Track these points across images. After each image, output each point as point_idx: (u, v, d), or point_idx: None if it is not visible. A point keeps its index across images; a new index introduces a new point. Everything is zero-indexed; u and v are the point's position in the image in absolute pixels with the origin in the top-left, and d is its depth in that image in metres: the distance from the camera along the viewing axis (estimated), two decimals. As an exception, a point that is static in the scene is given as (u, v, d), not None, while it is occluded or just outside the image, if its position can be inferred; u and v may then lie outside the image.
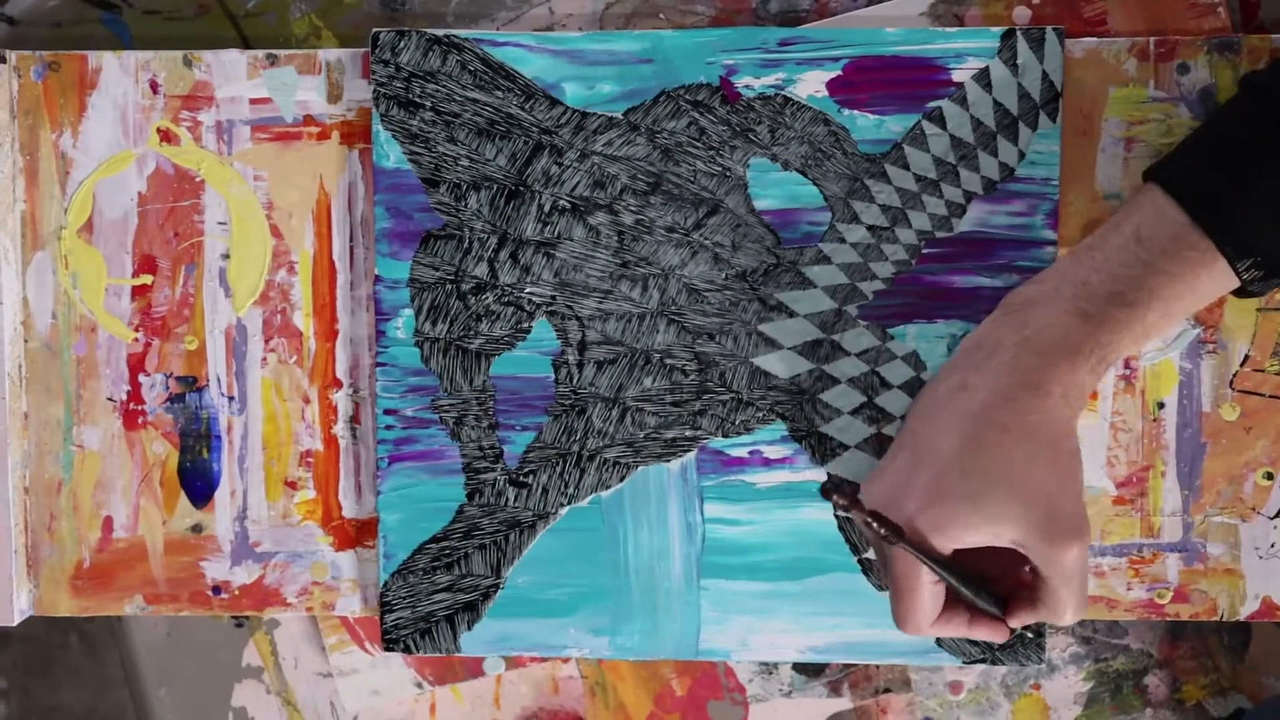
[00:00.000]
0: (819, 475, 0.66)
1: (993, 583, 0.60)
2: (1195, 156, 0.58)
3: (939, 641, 0.66)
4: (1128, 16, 0.66)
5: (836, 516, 0.64)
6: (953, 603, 0.59)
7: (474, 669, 0.70)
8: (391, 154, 0.65)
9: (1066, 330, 0.57)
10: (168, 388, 0.68)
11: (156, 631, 0.71)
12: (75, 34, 0.68)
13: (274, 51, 0.66)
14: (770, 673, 0.69)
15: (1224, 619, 0.66)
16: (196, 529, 0.68)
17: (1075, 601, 0.57)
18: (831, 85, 0.65)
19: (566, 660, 0.69)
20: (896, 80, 0.64)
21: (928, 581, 0.57)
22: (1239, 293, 0.59)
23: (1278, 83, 0.57)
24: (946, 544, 0.57)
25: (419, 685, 0.70)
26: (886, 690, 0.69)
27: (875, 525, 0.55)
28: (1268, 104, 0.57)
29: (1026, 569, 0.59)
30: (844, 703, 0.69)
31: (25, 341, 0.68)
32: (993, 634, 0.60)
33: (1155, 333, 0.57)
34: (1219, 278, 0.57)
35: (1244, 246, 0.56)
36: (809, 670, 0.69)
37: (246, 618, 0.70)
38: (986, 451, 0.56)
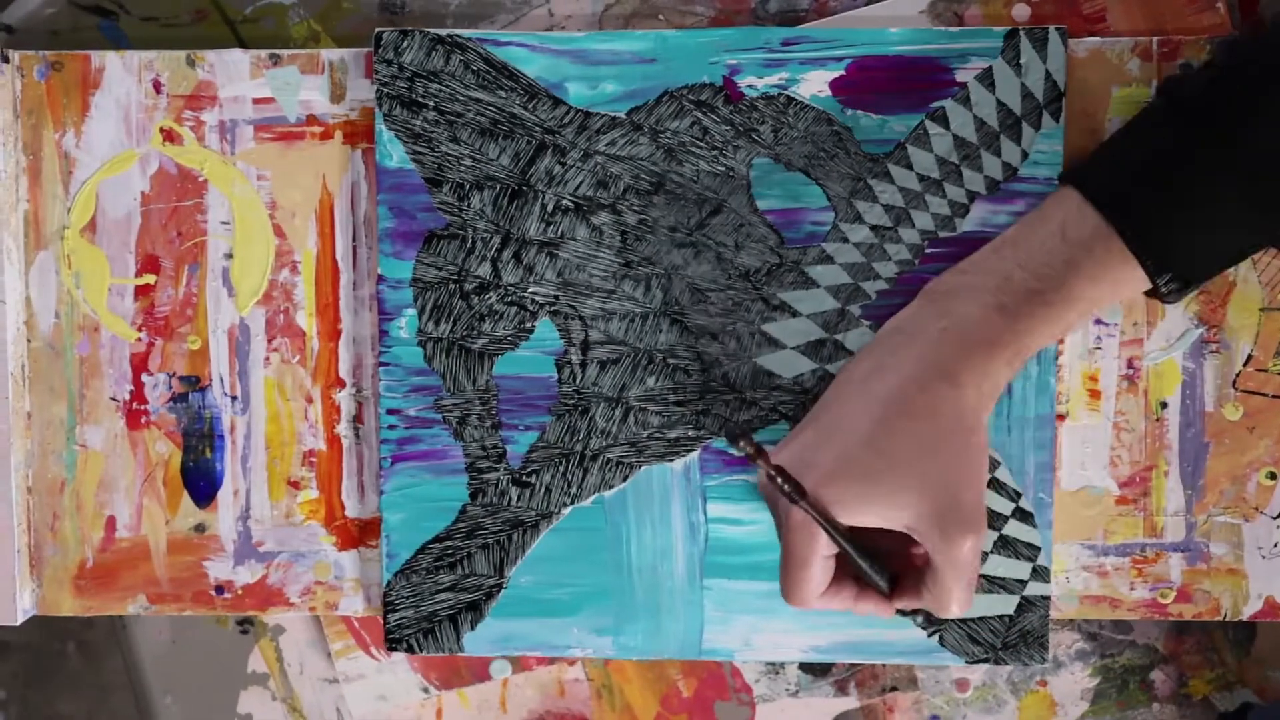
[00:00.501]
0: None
1: (885, 559, 0.60)
2: (1113, 163, 0.58)
3: (941, 640, 0.66)
4: (1127, 12, 0.66)
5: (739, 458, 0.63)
6: (840, 577, 0.59)
7: (480, 673, 0.70)
8: (394, 153, 0.66)
9: (985, 323, 0.57)
10: (171, 387, 0.68)
11: (161, 638, 0.71)
12: (72, 41, 0.68)
13: (277, 51, 0.66)
14: (777, 672, 0.69)
15: (1227, 619, 0.66)
16: (199, 529, 0.68)
17: (961, 595, 0.58)
18: (835, 85, 0.65)
19: (573, 663, 0.69)
20: (900, 80, 0.65)
21: (820, 554, 0.57)
22: (1152, 294, 0.59)
23: (1195, 95, 0.57)
24: (843, 520, 0.57)
25: (425, 690, 0.70)
26: (893, 689, 0.69)
27: (780, 480, 0.56)
28: (1186, 116, 0.57)
29: (920, 551, 0.59)
30: (851, 702, 0.69)
31: (28, 341, 0.68)
32: (877, 610, 0.60)
33: (1073, 329, 0.58)
34: (1138, 283, 0.58)
35: (1162, 258, 0.57)
36: (815, 670, 0.69)
37: (251, 624, 0.70)
38: (893, 435, 0.57)
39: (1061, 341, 0.66)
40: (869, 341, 0.61)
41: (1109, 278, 0.57)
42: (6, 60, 0.66)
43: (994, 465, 0.65)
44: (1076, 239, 0.57)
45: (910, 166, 0.65)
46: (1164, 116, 0.58)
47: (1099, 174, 0.58)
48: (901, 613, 0.61)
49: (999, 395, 0.58)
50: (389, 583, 0.67)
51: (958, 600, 0.58)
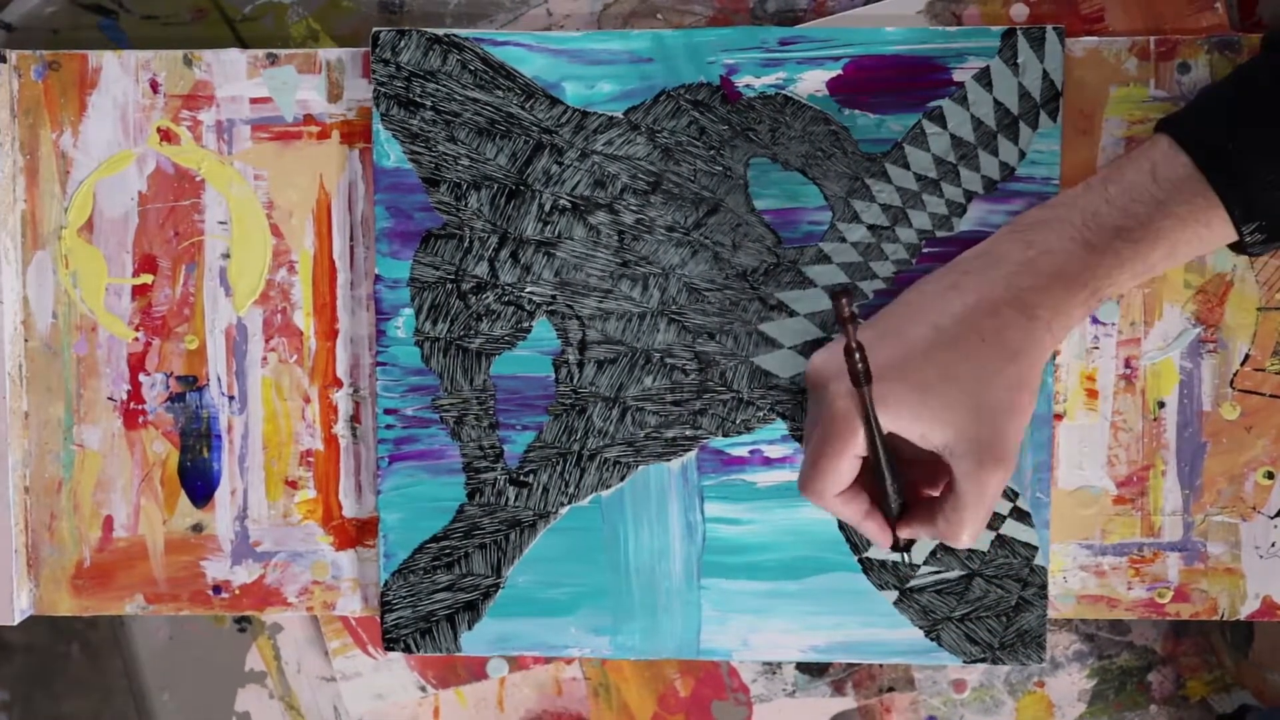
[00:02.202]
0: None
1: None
2: (1208, 110, 0.58)
3: (939, 640, 0.66)
4: (1125, 12, 0.66)
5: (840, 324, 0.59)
6: (857, 487, 0.59)
7: (477, 671, 0.70)
8: (392, 153, 0.65)
9: (1068, 257, 0.57)
10: (168, 387, 0.68)
11: (159, 636, 0.71)
12: (72, 40, 0.68)
13: (274, 51, 0.66)
14: (774, 672, 0.69)
15: (1224, 618, 0.66)
16: (197, 528, 0.68)
17: (976, 526, 0.57)
18: (832, 84, 0.65)
19: (570, 662, 0.69)
20: (897, 79, 0.64)
21: (852, 450, 0.57)
22: (1235, 247, 0.58)
23: None
24: (885, 424, 0.57)
25: (422, 688, 0.70)
26: (890, 689, 0.69)
27: (857, 356, 0.55)
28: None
29: (933, 490, 0.59)
30: (848, 702, 0.69)
31: (25, 341, 0.68)
32: (880, 534, 0.60)
33: (1155, 273, 0.57)
34: (1224, 231, 0.57)
35: (1249, 207, 0.56)
36: (813, 670, 0.69)
37: (249, 622, 0.70)
38: (956, 352, 0.56)
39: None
40: (948, 263, 0.61)
41: (1196, 221, 0.56)
42: (4, 60, 0.66)
43: None
44: (1167, 179, 0.56)
45: (907, 166, 0.65)
46: (1264, 67, 0.58)
47: (1192, 119, 0.58)
48: (894, 548, 0.61)
49: (1068, 334, 0.57)
50: (386, 582, 0.67)
51: (971, 530, 0.57)
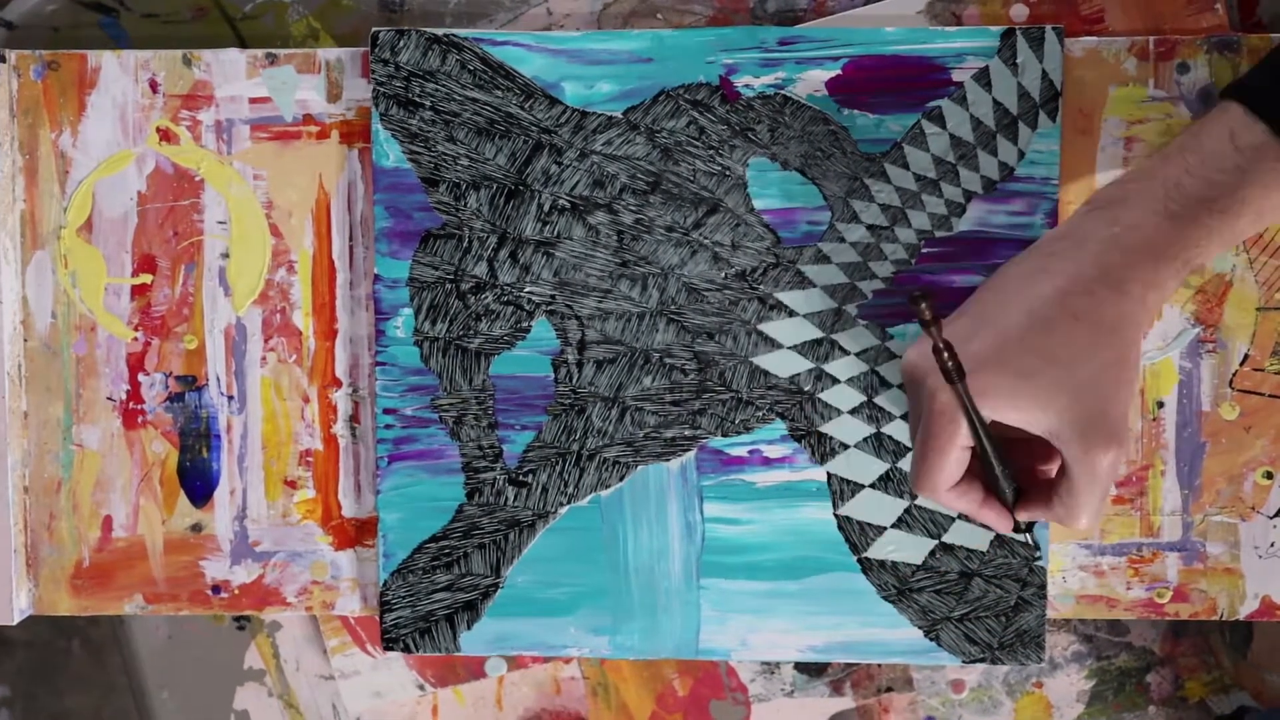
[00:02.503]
0: (819, 475, 0.66)
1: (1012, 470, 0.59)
2: (1275, 77, 0.57)
3: (938, 640, 0.66)
4: (1125, 13, 0.66)
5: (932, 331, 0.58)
6: (969, 477, 0.59)
7: (476, 670, 0.70)
8: (391, 153, 0.65)
9: (1155, 231, 0.56)
10: (167, 387, 0.68)
11: (158, 634, 0.71)
12: (73, 38, 0.68)
13: (273, 51, 0.66)
14: (772, 672, 0.69)
15: (1223, 618, 0.66)
16: (196, 528, 0.68)
17: (1094, 507, 0.56)
18: (831, 84, 0.65)
19: (569, 661, 0.69)
20: (896, 79, 0.64)
21: (959, 444, 0.57)
22: None
23: None
24: (986, 414, 0.56)
25: (421, 687, 0.70)
26: (889, 689, 0.69)
27: (945, 355, 0.54)
28: None
29: (1050, 468, 0.59)
30: (846, 702, 0.69)
31: (25, 341, 0.68)
32: (999, 521, 0.59)
33: (1242, 238, 0.56)
34: None
35: None
36: (811, 670, 0.69)
37: (248, 620, 0.70)
38: (1052, 335, 0.55)
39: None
40: (1030, 246, 0.59)
41: None
42: (3, 60, 0.66)
43: None
44: (1248, 145, 0.55)
45: (907, 166, 0.65)
46: None
47: (1264, 84, 0.56)
48: (1017, 529, 0.60)
49: (1161, 308, 0.56)
50: (385, 582, 0.67)
51: (1089, 512, 0.57)
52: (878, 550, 0.66)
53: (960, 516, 0.65)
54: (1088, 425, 0.55)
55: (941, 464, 0.57)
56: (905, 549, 0.65)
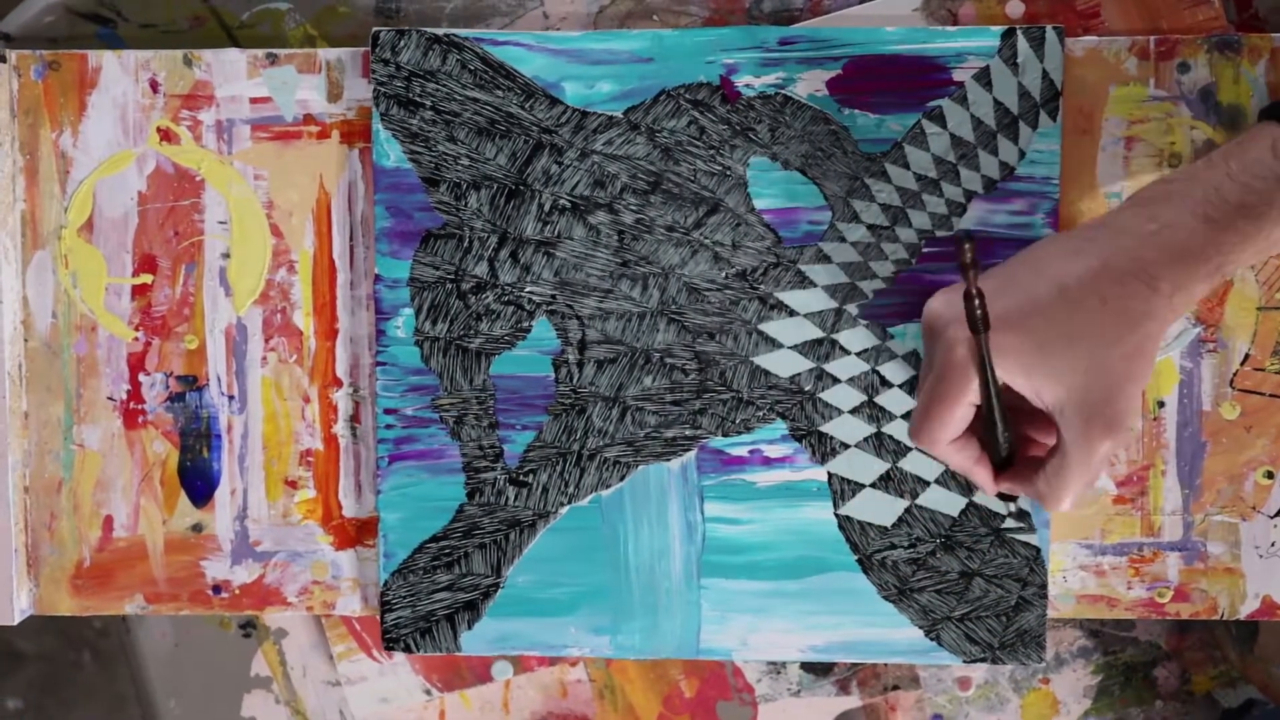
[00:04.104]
0: (819, 474, 0.66)
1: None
2: None
3: (939, 640, 0.66)
4: (1123, 10, 0.66)
5: (961, 267, 0.58)
6: (969, 435, 0.60)
7: (482, 674, 0.70)
8: (391, 153, 0.65)
9: (1191, 233, 0.56)
10: (168, 387, 0.68)
11: (165, 643, 0.71)
12: (70, 49, 0.68)
13: (274, 51, 0.66)
14: (778, 672, 0.69)
15: (1224, 618, 0.66)
16: (197, 528, 0.68)
17: (1079, 490, 0.58)
18: (832, 84, 0.65)
19: (575, 664, 0.69)
20: (897, 79, 0.64)
21: (968, 398, 0.58)
22: None
23: None
24: (998, 375, 0.57)
25: (427, 692, 0.70)
26: (895, 687, 0.69)
27: (977, 301, 0.55)
28: None
29: (1041, 445, 0.60)
30: (853, 701, 0.69)
31: (25, 341, 0.68)
32: (989, 483, 0.61)
33: (1274, 250, 0.57)
34: None
35: None
36: (817, 669, 0.69)
37: (254, 627, 0.70)
38: (1078, 313, 0.56)
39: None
40: (1067, 230, 0.60)
41: None
42: (4, 60, 0.66)
43: None
44: None
45: (907, 166, 0.65)
46: None
47: None
48: (1001, 497, 0.61)
49: (1189, 309, 0.57)
50: (386, 582, 0.67)
51: (1073, 496, 0.58)
52: (878, 551, 0.66)
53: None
54: (1094, 409, 0.56)
55: (949, 416, 0.58)
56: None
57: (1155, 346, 0.57)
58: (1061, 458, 0.57)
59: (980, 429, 0.60)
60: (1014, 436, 0.60)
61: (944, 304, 0.59)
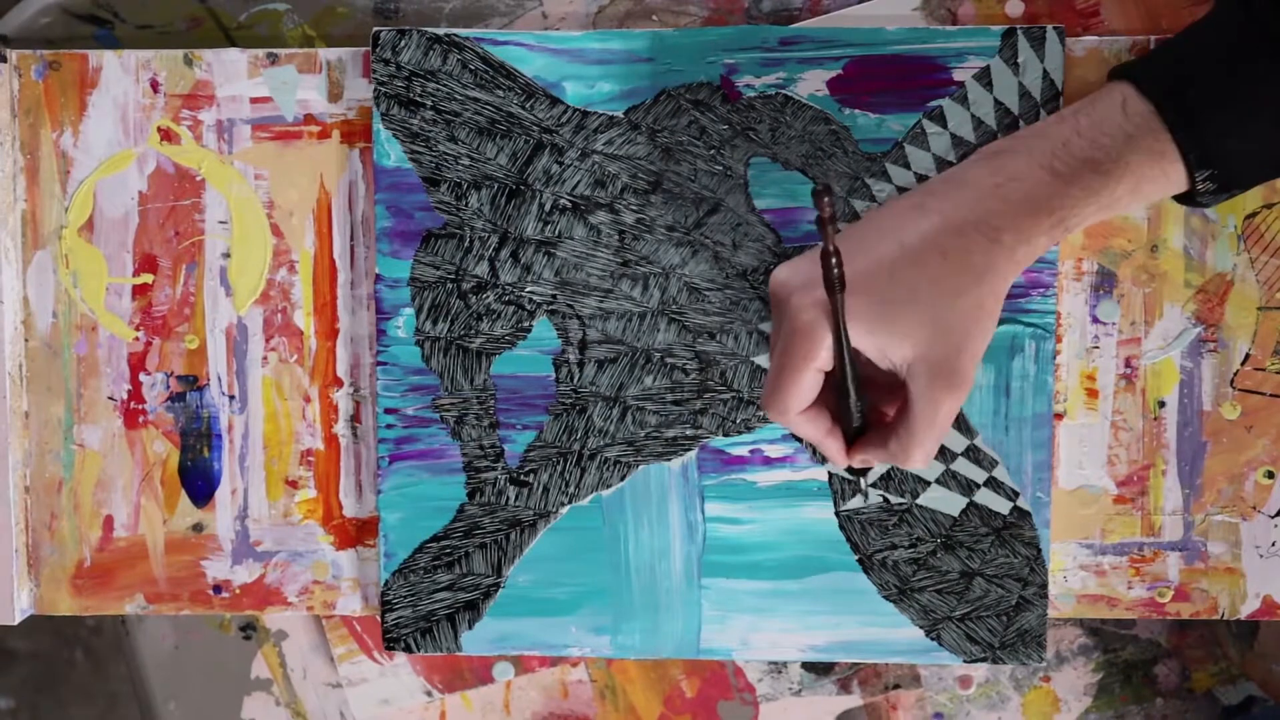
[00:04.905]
0: (819, 474, 0.66)
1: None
2: (1172, 56, 0.58)
3: (939, 639, 0.66)
4: (1123, 10, 0.66)
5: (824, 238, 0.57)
6: (820, 405, 0.59)
7: (483, 675, 0.70)
8: (392, 153, 0.65)
9: (1036, 185, 0.57)
10: (168, 387, 0.68)
11: (164, 644, 0.71)
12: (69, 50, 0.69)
13: (274, 51, 0.66)
14: (779, 672, 0.69)
15: (1225, 618, 0.66)
16: (197, 528, 0.68)
17: (928, 448, 0.57)
18: (832, 84, 0.65)
19: (576, 664, 0.69)
20: (897, 79, 0.65)
21: (815, 364, 0.57)
22: (1183, 199, 0.58)
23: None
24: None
25: (428, 693, 0.70)
26: (896, 686, 0.69)
27: (834, 261, 0.54)
28: (1252, 15, 0.56)
29: (888, 411, 0.59)
30: (854, 700, 0.69)
31: (26, 340, 0.68)
32: (840, 454, 0.60)
33: (1118, 209, 0.57)
34: (1178, 177, 0.57)
35: (1204, 154, 0.56)
36: (818, 668, 0.69)
37: (254, 629, 0.70)
38: (919, 269, 0.56)
39: (1059, 340, 0.66)
40: (915, 188, 0.60)
41: (1162, 157, 0.56)
42: (4, 60, 0.66)
43: (992, 464, 0.65)
44: (1137, 113, 0.57)
45: (908, 166, 0.65)
46: (1230, 16, 0.57)
47: (1149, 68, 0.58)
48: (852, 471, 0.60)
49: (1029, 264, 0.57)
50: (387, 582, 0.67)
51: (923, 451, 0.57)
52: (878, 550, 0.66)
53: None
54: (937, 365, 0.56)
55: (797, 382, 0.57)
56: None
57: (999, 301, 0.57)
58: (908, 417, 0.57)
59: (831, 400, 0.59)
60: (866, 404, 0.59)
61: (790, 272, 0.58)
